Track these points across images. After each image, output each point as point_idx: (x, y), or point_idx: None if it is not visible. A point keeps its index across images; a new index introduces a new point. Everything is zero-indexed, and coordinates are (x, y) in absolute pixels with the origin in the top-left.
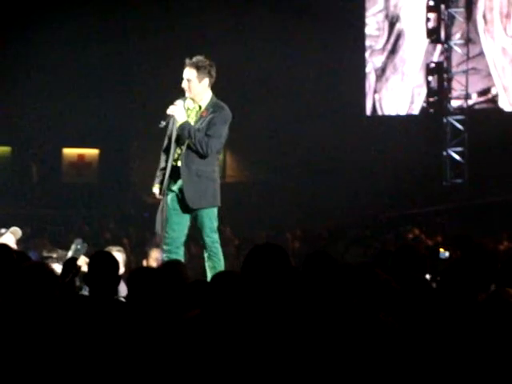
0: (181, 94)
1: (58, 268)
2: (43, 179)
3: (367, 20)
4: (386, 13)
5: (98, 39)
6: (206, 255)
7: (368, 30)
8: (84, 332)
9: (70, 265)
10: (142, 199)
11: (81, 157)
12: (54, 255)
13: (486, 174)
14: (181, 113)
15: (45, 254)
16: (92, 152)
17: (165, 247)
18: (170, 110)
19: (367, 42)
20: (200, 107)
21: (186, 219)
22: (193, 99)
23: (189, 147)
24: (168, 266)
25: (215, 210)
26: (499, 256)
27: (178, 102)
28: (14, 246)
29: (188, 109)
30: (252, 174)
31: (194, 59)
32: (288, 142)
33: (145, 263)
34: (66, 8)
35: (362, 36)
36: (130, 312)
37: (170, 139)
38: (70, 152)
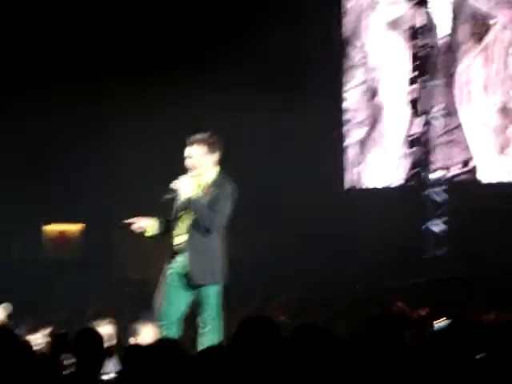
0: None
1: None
2: (24, 256)
3: (346, 94)
4: (365, 86)
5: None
6: (200, 331)
7: (346, 104)
8: None
9: (59, 341)
10: (126, 275)
11: (62, 233)
12: (45, 332)
13: (466, 245)
14: (186, 187)
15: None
16: (74, 227)
17: (160, 323)
18: (175, 185)
19: (346, 116)
20: (206, 183)
21: (186, 297)
22: (196, 177)
23: (193, 222)
24: (160, 344)
25: (219, 287)
26: (485, 327)
27: (183, 177)
28: (4, 320)
29: (198, 184)
30: (232, 247)
31: (200, 136)
32: (268, 216)
33: (132, 340)
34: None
35: (340, 110)
36: None
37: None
38: (51, 228)
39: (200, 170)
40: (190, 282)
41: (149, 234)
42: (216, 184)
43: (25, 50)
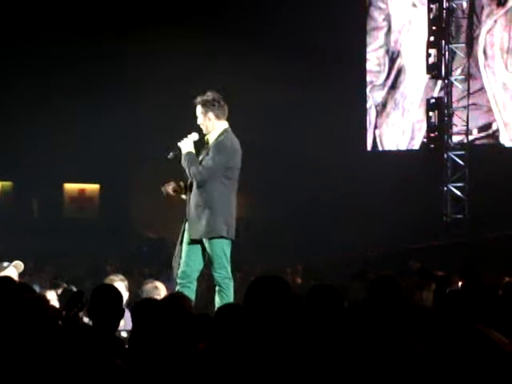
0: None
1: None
2: (44, 214)
3: (368, 55)
4: (386, 48)
5: (99, 75)
6: (216, 289)
7: (369, 66)
8: (84, 363)
9: (76, 299)
10: (142, 234)
11: (82, 192)
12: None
13: (486, 209)
14: (186, 144)
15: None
16: (93, 187)
17: (178, 281)
18: (180, 143)
19: (368, 78)
20: (211, 140)
21: (199, 254)
22: (207, 134)
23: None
24: (171, 298)
25: (222, 243)
26: (499, 289)
27: (192, 135)
28: (16, 279)
29: (206, 142)
30: (251, 209)
31: (198, 97)
32: (287, 177)
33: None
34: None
35: (362, 71)
36: (134, 345)
37: None
38: (71, 187)
39: (207, 128)
40: (190, 237)
41: (183, 195)
42: (215, 140)
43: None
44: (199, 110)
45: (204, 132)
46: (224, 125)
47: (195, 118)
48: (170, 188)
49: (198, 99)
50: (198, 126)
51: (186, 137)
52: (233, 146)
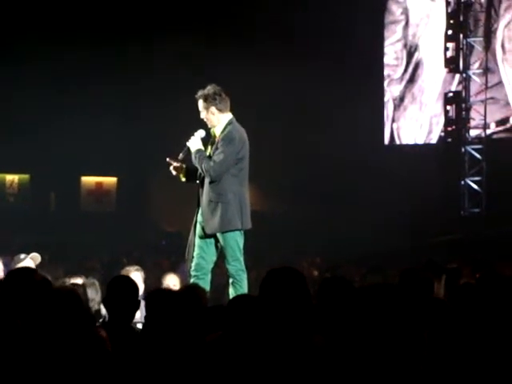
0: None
1: None
2: (61, 207)
3: (386, 49)
4: (404, 42)
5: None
6: (230, 281)
7: (386, 60)
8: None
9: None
10: (159, 227)
11: (99, 185)
12: (79, 281)
13: (503, 203)
14: (195, 142)
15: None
16: (110, 180)
17: (192, 273)
18: (188, 141)
19: (385, 71)
20: (217, 134)
21: (212, 247)
22: (212, 128)
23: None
24: (187, 290)
25: (235, 236)
26: None
27: (198, 133)
28: None
29: (213, 136)
30: (270, 204)
31: (200, 91)
32: (305, 171)
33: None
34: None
35: (380, 65)
36: (147, 336)
37: None
38: (88, 180)
39: (211, 122)
40: (204, 232)
41: (183, 178)
42: (221, 133)
43: None
44: (201, 104)
45: (209, 126)
46: (228, 117)
47: (199, 112)
48: (173, 163)
49: (199, 94)
50: (203, 120)
51: (193, 135)
52: (240, 137)
